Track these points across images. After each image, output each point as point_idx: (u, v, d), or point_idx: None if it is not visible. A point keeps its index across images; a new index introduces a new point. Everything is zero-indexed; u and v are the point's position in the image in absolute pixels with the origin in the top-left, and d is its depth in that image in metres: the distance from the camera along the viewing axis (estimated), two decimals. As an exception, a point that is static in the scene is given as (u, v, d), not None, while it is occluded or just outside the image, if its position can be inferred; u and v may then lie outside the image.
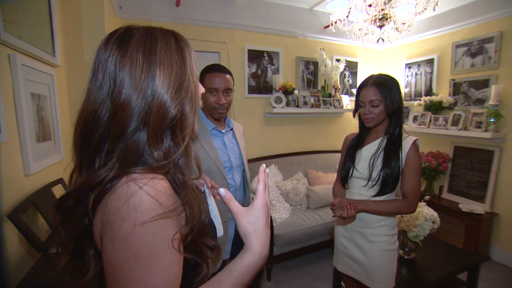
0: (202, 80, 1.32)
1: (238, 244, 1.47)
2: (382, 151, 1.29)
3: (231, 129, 1.49)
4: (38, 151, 1.30)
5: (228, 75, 1.35)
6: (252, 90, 2.99)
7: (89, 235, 0.48)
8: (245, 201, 1.51)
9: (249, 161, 2.98)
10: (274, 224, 2.36)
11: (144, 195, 0.43)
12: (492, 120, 2.52)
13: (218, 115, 1.35)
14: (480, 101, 2.71)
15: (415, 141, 1.28)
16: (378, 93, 1.25)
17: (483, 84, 2.68)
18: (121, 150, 0.47)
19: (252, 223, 0.51)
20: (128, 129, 0.48)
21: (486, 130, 2.55)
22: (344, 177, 1.41)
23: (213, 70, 1.32)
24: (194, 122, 0.56)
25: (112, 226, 0.42)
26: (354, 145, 1.41)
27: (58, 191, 1.41)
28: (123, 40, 0.50)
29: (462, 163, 2.87)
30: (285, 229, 2.39)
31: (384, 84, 1.25)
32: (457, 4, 2.75)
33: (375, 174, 1.28)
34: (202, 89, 0.61)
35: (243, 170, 1.49)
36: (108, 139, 0.48)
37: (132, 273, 0.42)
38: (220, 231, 0.66)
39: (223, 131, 1.43)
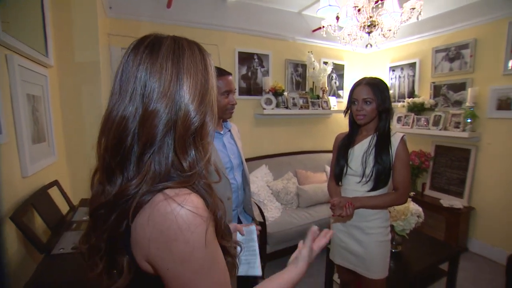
0: None
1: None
2: (373, 148, 1.37)
3: (229, 130, 1.53)
4: (34, 152, 1.28)
5: (231, 76, 1.41)
6: (242, 91, 3.03)
7: (124, 243, 0.50)
8: (246, 200, 1.55)
9: (241, 161, 3.02)
10: (266, 222, 2.41)
11: (189, 214, 0.46)
12: (469, 120, 2.70)
13: (230, 115, 1.42)
14: (458, 103, 2.89)
15: (402, 137, 1.38)
16: (371, 92, 1.34)
17: (461, 87, 2.86)
18: (152, 159, 0.49)
19: (310, 256, 0.72)
20: (157, 137, 0.49)
21: (463, 130, 2.72)
22: (338, 175, 1.48)
23: (222, 73, 1.36)
24: (213, 129, 0.58)
25: (168, 248, 0.45)
26: (345, 143, 1.48)
27: (54, 194, 1.40)
28: (154, 47, 0.51)
29: (443, 161, 3.05)
30: (277, 227, 2.45)
31: (376, 85, 1.36)
32: (436, 12, 2.92)
33: (368, 170, 1.36)
34: None
35: (243, 169, 1.53)
36: (138, 145, 0.49)
37: (201, 281, 0.48)
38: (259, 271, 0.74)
39: (222, 132, 1.46)
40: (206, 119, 0.54)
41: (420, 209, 2.01)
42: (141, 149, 0.49)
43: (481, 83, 2.71)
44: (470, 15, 2.73)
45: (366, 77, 1.42)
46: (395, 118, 3.43)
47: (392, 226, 2.00)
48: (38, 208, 1.15)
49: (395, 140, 1.36)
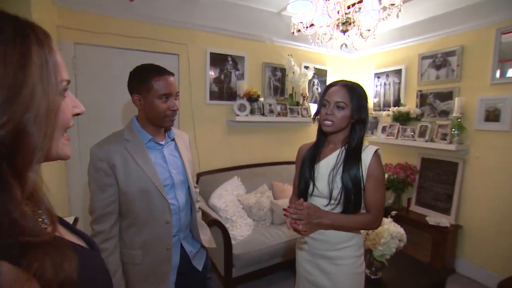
0: (146, 85, 1.09)
1: (184, 273, 1.25)
2: (341, 165, 1.14)
3: (173, 140, 1.27)
4: None
5: (174, 77, 1.16)
6: (214, 96, 2.78)
7: None
8: (192, 223, 1.29)
9: (211, 172, 2.75)
10: (233, 242, 2.14)
11: None
12: (456, 132, 2.51)
13: (170, 122, 1.17)
14: (445, 113, 2.71)
15: (376, 150, 1.15)
16: (347, 96, 1.12)
17: (447, 96, 2.68)
18: None
19: None
20: None
21: (450, 142, 2.54)
22: (303, 193, 1.24)
23: (162, 72, 1.11)
24: (50, 150, 0.41)
25: None
26: (311, 155, 1.25)
27: None
28: None
29: (429, 175, 2.85)
30: (246, 247, 2.17)
31: (354, 89, 1.14)
32: (423, 16, 2.76)
33: (336, 192, 1.13)
34: (80, 109, 0.48)
35: (188, 187, 1.27)
36: None
37: None
38: None
39: (162, 142, 1.21)
40: (25, 130, 0.36)
41: (402, 231, 1.78)
42: None
43: (468, 92, 2.54)
44: (457, 21, 2.57)
45: (345, 80, 1.19)
46: (379, 127, 3.24)
47: (370, 251, 1.77)
48: None
49: (366, 156, 1.13)
